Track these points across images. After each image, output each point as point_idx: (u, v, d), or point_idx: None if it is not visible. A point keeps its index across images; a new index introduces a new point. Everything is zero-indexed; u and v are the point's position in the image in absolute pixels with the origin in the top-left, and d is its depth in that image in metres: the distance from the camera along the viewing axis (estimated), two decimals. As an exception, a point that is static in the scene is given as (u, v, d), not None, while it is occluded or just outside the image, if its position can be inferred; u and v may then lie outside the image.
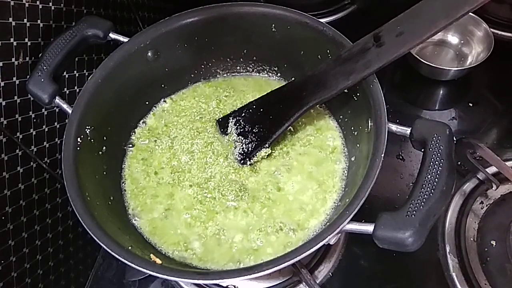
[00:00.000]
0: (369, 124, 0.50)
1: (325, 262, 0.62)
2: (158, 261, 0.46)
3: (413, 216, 0.39)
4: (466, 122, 0.77)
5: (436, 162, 0.42)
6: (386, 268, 0.62)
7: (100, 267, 0.69)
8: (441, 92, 0.82)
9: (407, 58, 0.79)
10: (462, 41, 0.83)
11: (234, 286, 0.61)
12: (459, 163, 0.68)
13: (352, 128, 0.57)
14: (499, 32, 0.81)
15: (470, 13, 0.81)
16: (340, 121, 0.60)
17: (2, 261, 0.52)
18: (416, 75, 0.80)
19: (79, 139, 0.50)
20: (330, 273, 0.62)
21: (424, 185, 0.41)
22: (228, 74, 0.68)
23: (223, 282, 0.59)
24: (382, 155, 0.44)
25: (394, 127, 0.48)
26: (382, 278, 0.62)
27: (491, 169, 0.66)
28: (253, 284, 0.62)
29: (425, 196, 0.40)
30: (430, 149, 0.43)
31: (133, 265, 0.41)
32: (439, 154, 0.43)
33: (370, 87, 0.49)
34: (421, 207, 0.40)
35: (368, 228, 0.41)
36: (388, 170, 0.71)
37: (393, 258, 0.60)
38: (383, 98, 0.48)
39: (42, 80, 0.52)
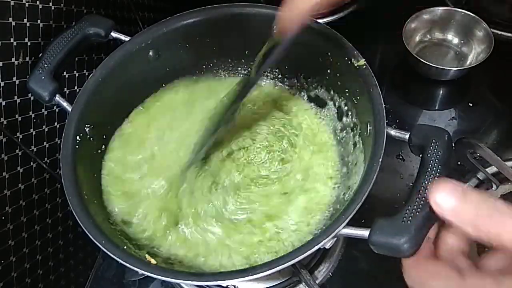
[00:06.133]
0: (368, 128, 0.50)
1: (325, 262, 0.63)
2: (153, 261, 0.45)
3: (409, 222, 0.39)
4: (466, 122, 0.77)
5: (434, 168, 0.42)
6: (386, 268, 0.62)
7: (100, 267, 0.69)
8: (441, 92, 0.82)
9: (407, 58, 0.79)
10: (462, 41, 0.83)
11: (234, 286, 0.61)
12: (459, 163, 0.68)
13: (350, 132, 0.57)
14: (499, 32, 0.81)
15: (470, 13, 0.81)
16: (338, 124, 0.60)
17: (2, 261, 0.52)
18: (416, 75, 0.81)
19: (78, 137, 0.50)
20: (330, 273, 0.62)
21: (421, 191, 0.40)
22: (230, 74, 0.68)
23: (220, 283, 0.59)
24: (380, 160, 0.44)
25: (393, 132, 0.47)
26: (382, 278, 0.62)
27: (491, 169, 0.66)
28: (253, 284, 0.62)
29: (422, 202, 0.39)
30: (428, 155, 0.43)
31: (127, 264, 0.41)
32: (437, 160, 0.42)
33: (370, 91, 0.49)
34: (417, 213, 0.39)
35: (364, 233, 0.40)
36: (388, 171, 0.71)
37: (393, 258, 0.60)
38: (383, 103, 0.48)
39: (43, 77, 0.52)
